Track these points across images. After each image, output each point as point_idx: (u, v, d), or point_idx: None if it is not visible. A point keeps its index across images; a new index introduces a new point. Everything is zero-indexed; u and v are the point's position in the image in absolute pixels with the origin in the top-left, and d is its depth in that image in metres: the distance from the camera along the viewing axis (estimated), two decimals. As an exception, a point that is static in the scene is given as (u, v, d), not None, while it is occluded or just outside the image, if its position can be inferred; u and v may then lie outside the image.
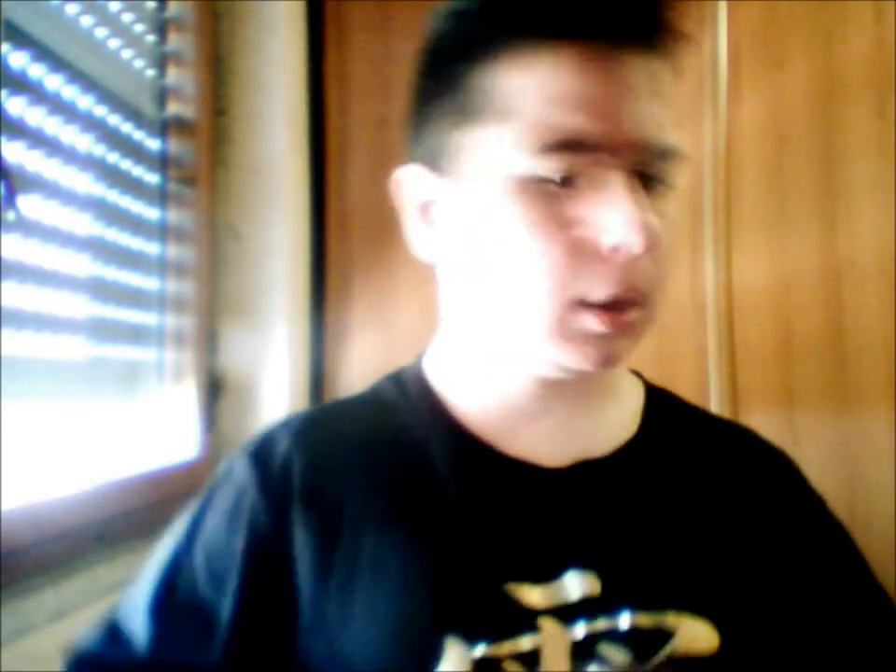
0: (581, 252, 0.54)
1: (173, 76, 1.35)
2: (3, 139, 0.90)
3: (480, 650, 0.53)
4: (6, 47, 0.93)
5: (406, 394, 0.66)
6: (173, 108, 1.34)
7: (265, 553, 0.58)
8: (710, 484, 0.63)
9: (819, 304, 1.50)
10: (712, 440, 0.67)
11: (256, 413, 1.44)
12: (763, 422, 1.65)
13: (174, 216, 1.34)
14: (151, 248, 1.30)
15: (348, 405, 0.69)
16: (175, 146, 1.34)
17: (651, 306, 0.57)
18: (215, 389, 1.43)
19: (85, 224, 1.10)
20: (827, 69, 1.52)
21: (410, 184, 0.62)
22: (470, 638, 0.53)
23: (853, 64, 1.51)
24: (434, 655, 0.53)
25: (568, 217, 0.54)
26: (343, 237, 1.59)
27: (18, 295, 0.94)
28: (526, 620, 0.54)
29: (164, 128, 1.34)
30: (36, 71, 0.99)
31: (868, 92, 1.50)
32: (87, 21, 1.11)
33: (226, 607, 0.57)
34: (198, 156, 1.37)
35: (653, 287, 0.56)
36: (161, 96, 1.33)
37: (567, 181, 0.54)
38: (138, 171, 1.26)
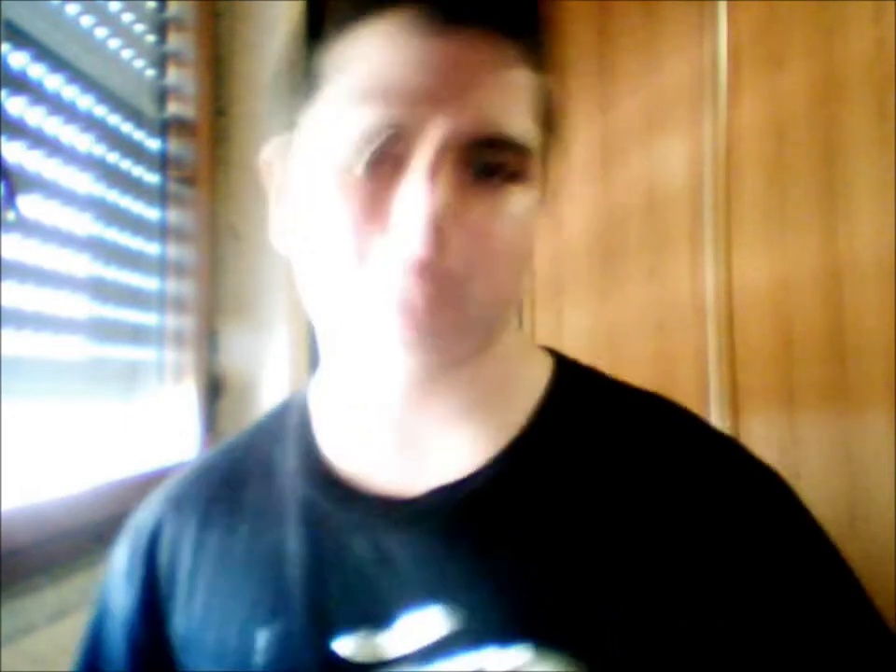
0: (378, 232, 0.49)
1: (173, 76, 1.35)
2: (3, 139, 0.90)
3: None
4: (6, 47, 0.93)
5: (284, 424, 0.62)
6: (173, 108, 1.35)
7: (136, 638, 0.60)
8: (605, 493, 0.53)
9: (819, 304, 1.50)
10: (623, 437, 0.56)
11: (256, 412, 1.44)
12: (763, 422, 1.65)
13: (174, 216, 1.34)
14: (151, 248, 1.30)
15: (228, 447, 0.66)
16: (175, 146, 1.34)
17: (472, 294, 0.50)
18: (215, 389, 1.43)
19: (85, 224, 1.10)
20: (827, 69, 1.52)
21: (271, 166, 0.58)
22: None
23: (853, 64, 1.51)
24: None
25: (374, 198, 0.49)
26: (343, 237, 1.58)
27: (18, 295, 0.94)
28: None
29: (164, 128, 1.34)
30: (36, 71, 0.99)
31: (868, 92, 1.50)
32: (87, 20, 1.11)
33: None
34: (198, 156, 1.37)
35: (471, 281, 0.49)
36: (161, 96, 1.33)
37: (376, 166, 0.49)
38: (138, 171, 1.26)
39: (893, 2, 1.50)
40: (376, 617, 0.51)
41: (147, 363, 1.29)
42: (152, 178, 1.30)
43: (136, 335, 1.26)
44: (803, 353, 1.50)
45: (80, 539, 1.01)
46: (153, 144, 1.31)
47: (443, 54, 0.48)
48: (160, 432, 1.30)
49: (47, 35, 1.01)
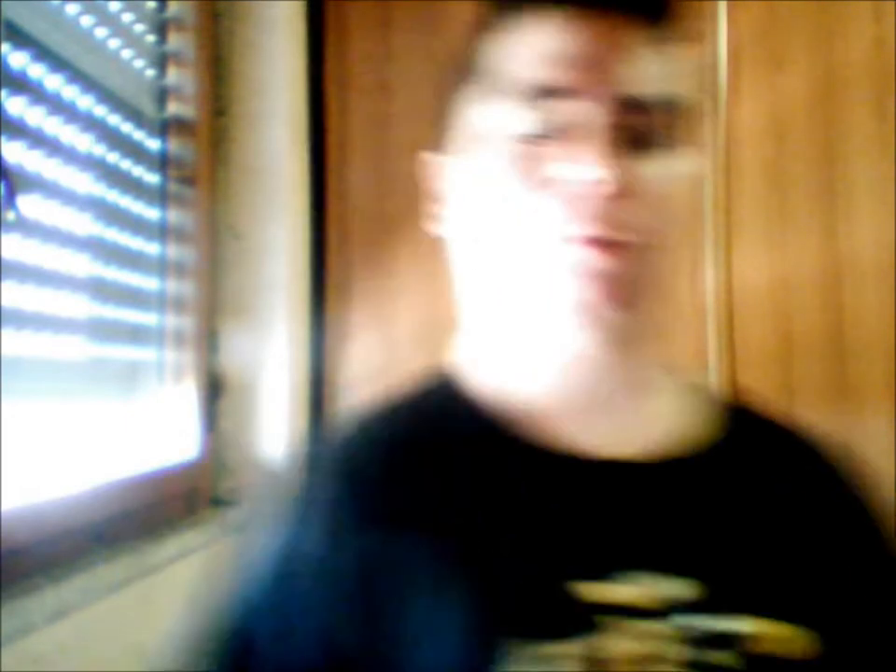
0: (554, 196, 0.55)
1: (173, 76, 1.35)
2: (3, 139, 0.90)
3: (546, 649, 0.51)
4: (6, 47, 0.93)
5: (453, 391, 0.64)
6: (173, 108, 1.35)
7: (313, 578, 0.57)
8: (783, 487, 0.61)
9: (819, 304, 1.50)
10: (797, 448, 0.65)
11: (256, 412, 1.44)
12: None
13: (174, 216, 1.34)
14: (151, 248, 1.30)
15: (396, 407, 0.66)
16: (175, 146, 1.34)
17: (646, 252, 0.56)
18: (215, 389, 1.43)
19: (85, 224, 1.10)
20: (827, 69, 1.52)
21: (433, 168, 0.65)
22: (539, 638, 0.51)
23: (853, 64, 1.51)
24: (497, 657, 0.51)
25: (549, 169, 0.55)
26: (343, 237, 1.59)
27: (18, 295, 0.94)
28: (591, 619, 0.52)
29: (164, 128, 1.34)
30: (36, 71, 0.99)
31: (868, 93, 1.50)
32: (87, 20, 1.11)
33: (301, 630, 0.56)
34: (198, 156, 1.38)
35: (645, 235, 0.56)
36: (161, 96, 1.33)
37: (548, 136, 0.55)
38: (138, 171, 1.26)
39: (893, 2, 1.50)
40: (608, 570, 0.53)
41: (147, 363, 1.29)
42: (152, 178, 1.30)
43: (136, 335, 1.26)
44: (803, 353, 1.49)
45: (80, 538, 1.01)
46: (153, 144, 1.31)
47: (595, 33, 0.56)
48: (160, 432, 1.30)
49: (47, 35, 1.01)
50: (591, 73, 0.55)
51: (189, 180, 1.36)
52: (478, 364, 0.64)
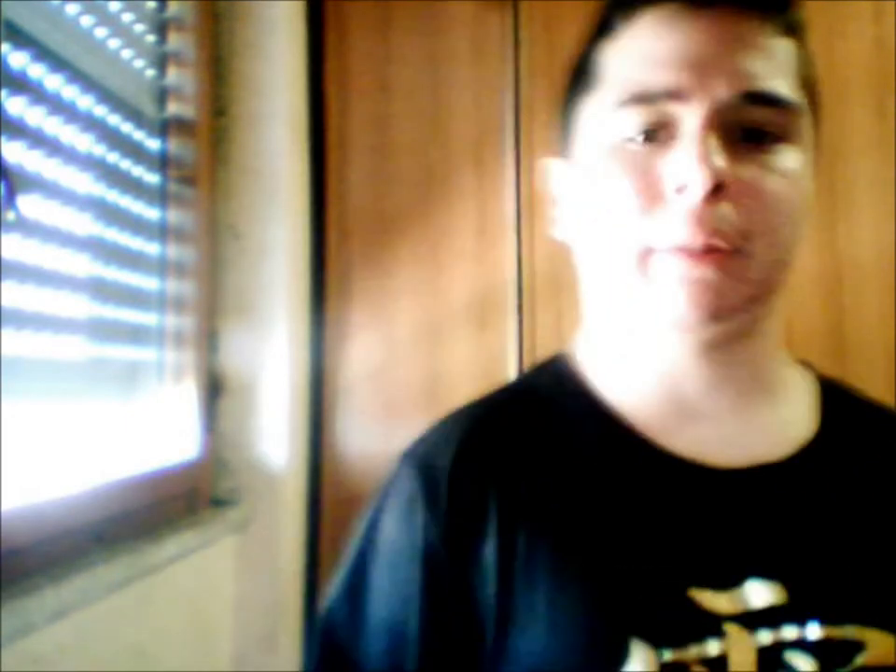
0: (652, 199, 0.55)
1: (173, 76, 1.35)
2: (3, 139, 0.90)
3: (667, 654, 0.52)
4: (6, 47, 0.93)
5: (564, 389, 0.64)
6: (173, 108, 1.34)
7: (441, 571, 0.57)
8: (893, 489, 0.59)
9: (819, 304, 1.50)
10: (891, 438, 0.63)
11: (256, 412, 1.44)
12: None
13: (174, 216, 1.34)
14: (151, 248, 1.30)
15: (508, 401, 0.66)
16: (175, 146, 1.34)
17: (750, 258, 0.54)
18: (215, 389, 1.43)
19: (85, 224, 1.10)
20: (827, 69, 1.52)
21: (549, 174, 0.66)
22: (659, 641, 0.52)
23: (853, 64, 1.51)
24: (620, 658, 0.52)
25: (648, 169, 0.55)
26: (343, 237, 1.59)
27: (18, 295, 0.94)
28: (712, 625, 0.52)
29: (164, 128, 1.34)
30: (36, 71, 0.99)
31: (868, 92, 1.50)
32: (87, 20, 1.11)
33: (412, 621, 0.57)
34: (198, 156, 1.38)
35: (749, 240, 0.54)
36: (161, 96, 1.33)
37: (651, 136, 0.55)
38: (138, 171, 1.26)
39: (893, 2, 1.50)
40: (728, 577, 0.54)
41: (147, 363, 1.29)
42: (152, 178, 1.30)
43: (136, 335, 1.26)
44: (803, 353, 1.49)
45: (80, 539, 1.01)
46: (153, 144, 1.31)
47: (703, 31, 0.55)
48: (160, 432, 1.30)
49: (47, 35, 1.01)
50: (697, 73, 0.54)
51: (189, 180, 1.36)
52: (596, 362, 0.64)
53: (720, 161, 0.53)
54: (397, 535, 0.59)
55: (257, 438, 1.43)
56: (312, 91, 1.60)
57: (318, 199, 1.60)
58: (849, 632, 0.52)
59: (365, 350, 1.57)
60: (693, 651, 0.52)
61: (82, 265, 1.09)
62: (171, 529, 1.19)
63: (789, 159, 0.56)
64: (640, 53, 0.56)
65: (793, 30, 0.59)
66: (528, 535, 0.56)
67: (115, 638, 1.02)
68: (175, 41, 1.35)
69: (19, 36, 0.96)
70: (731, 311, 0.55)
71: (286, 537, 1.44)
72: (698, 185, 0.52)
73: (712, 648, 0.52)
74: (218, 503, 1.40)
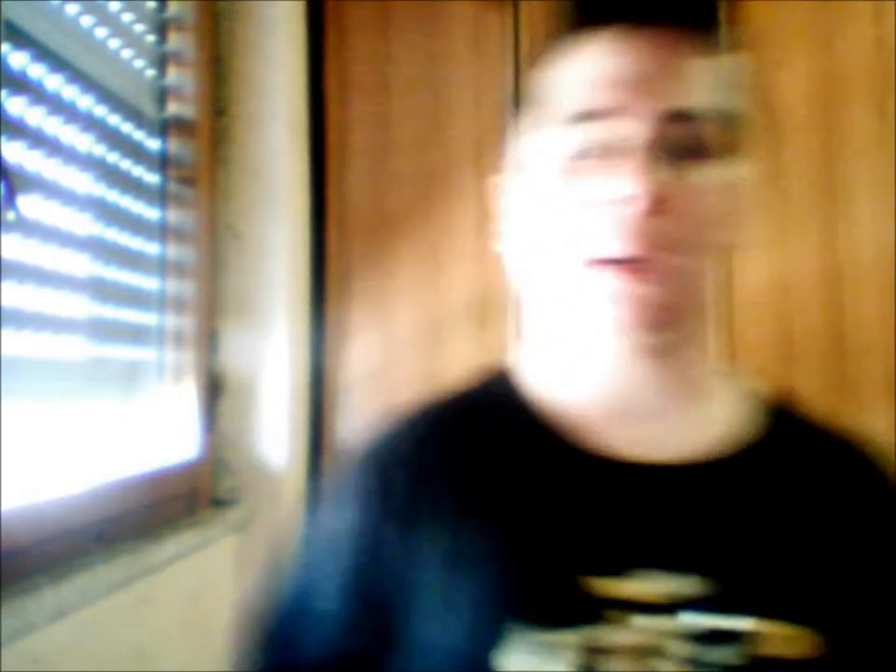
0: (596, 213, 0.56)
1: (173, 76, 1.35)
2: (3, 139, 0.90)
3: (543, 636, 0.53)
4: (6, 47, 0.93)
5: (497, 391, 0.66)
6: (173, 108, 1.34)
7: (365, 561, 0.60)
8: (820, 491, 0.61)
9: (818, 304, 1.50)
10: (825, 444, 0.65)
11: (256, 412, 1.44)
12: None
13: (174, 216, 1.34)
14: (151, 248, 1.30)
15: (444, 403, 0.69)
16: (175, 146, 1.34)
17: (689, 269, 0.57)
18: (215, 389, 1.43)
19: (85, 224, 1.10)
20: (827, 69, 1.52)
21: (497, 190, 0.68)
22: (533, 625, 0.53)
23: (853, 64, 1.51)
24: (497, 641, 0.53)
25: (592, 185, 0.57)
26: (343, 237, 1.59)
27: (18, 295, 0.94)
28: (594, 611, 0.54)
29: (164, 128, 1.34)
30: (36, 71, 0.99)
31: (868, 92, 1.50)
32: (87, 20, 1.11)
33: (344, 610, 0.60)
34: (198, 156, 1.38)
35: (688, 251, 0.56)
36: (161, 96, 1.33)
37: (594, 154, 0.57)
38: (138, 171, 1.26)
39: (893, 2, 1.50)
40: (622, 567, 0.55)
41: (147, 363, 1.29)
42: (152, 178, 1.30)
43: (136, 335, 1.26)
44: (803, 353, 1.49)
45: (80, 539, 1.01)
46: (153, 144, 1.31)
47: (641, 51, 0.57)
48: (160, 432, 1.30)
49: (47, 35, 1.01)
50: (632, 91, 0.56)
51: (189, 180, 1.36)
52: (533, 366, 0.66)
53: (659, 175, 0.54)
54: (331, 530, 0.63)
55: (257, 438, 1.44)
56: (312, 91, 1.60)
57: (318, 199, 1.60)
58: (737, 622, 0.53)
59: (365, 350, 1.57)
60: (571, 635, 0.53)
61: (82, 265, 1.09)
62: (171, 529, 1.19)
63: (725, 172, 0.58)
64: (584, 74, 0.58)
65: (729, 48, 0.60)
66: (439, 526, 0.58)
67: (115, 638, 1.02)
68: (175, 41, 1.35)
69: (19, 36, 0.96)
70: (666, 321, 0.57)
71: (286, 537, 1.44)
72: (638, 199, 0.54)
73: (593, 632, 0.53)
74: (218, 503, 1.40)
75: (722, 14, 0.61)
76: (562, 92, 0.59)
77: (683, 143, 0.56)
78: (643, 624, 0.53)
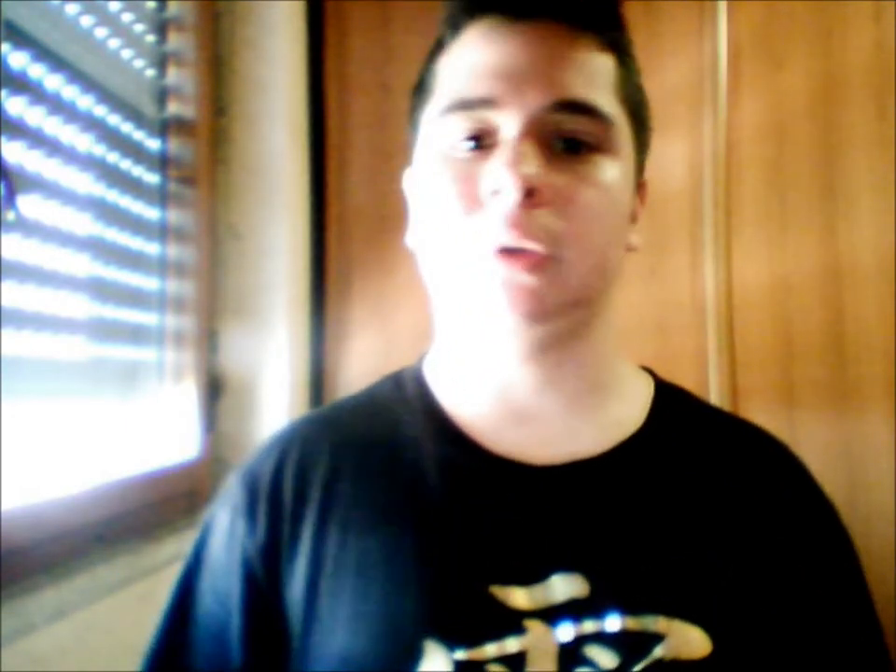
0: (472, 203, 0.56)
1: (173, 76, 1.35)
2: (3, 139, 0.90)
3: (461, 653, 0.52)
4: (6, 47, 0.93)
5: (402, 394, 0.66)
6: (173, 108, 1.34)
7: (257, 581, 0.59)
8: (712, 487, 0.60)
9: (818, 304, 1.50)
10: (718, 440, 0.64)
11: (256, 412, 1.44)
12: (763, 422, 1.64)
13: (174, 216, 1.34)
14: (151, 248, 1.30)
15: (344, 407, 0.69)
16: (174, 146, 1.34)
17: (568, 264, 0.56)
18: (215, 389, 1.43)
19: (85, 224, 1.10)
20: (827, 69, 1.52)
21: (406, 181, 0.67)
22: (453, 640, 0.52)
23: (853, 64, 1.51)
24: (414, 659, 0.52)
25: (471, 175, 0.57)
26: (343, 237, 1.59)
27: (18, 295, 0.94)
28: (512, 622, 0.53)
29: (164, 128, 1.34)
30: (36, 71, 0.99)
31: (868, 92, 1.50)
32: (87, 20, 1.11)
33: (234, 623, 0.59)
34: (198, 156, 1.37)
35: (565, 245, 0.55)
36: (161, 96, 1.33)
37: (475, 144, 0.57)
38: (138, 171, 1.26)
39: (893, 2, 1.50)
40: (524, 572, 0.55)
41: (147, 363, 1.29)
42: (152, 178, 1.30)
43: (136, 335, 1.26)
44: (803, 353, 1.49)
45: (80, 539, 1.01)
46: (153, 144, 1.31)
47: (520, 43, 0.57)
48: (160, 432, 1.30)
49: (47, 35, 1.01)
50: (513, 83, 0.56)
51: (189, 180, 1.36)
52: (439, 369, 0.66)
53: (532, 167, 0.54)
54: (220, 549, 0.62)
55: (257, 438, 1.43)
56: (312, 91, 1.60)
57: (318, 199, 1.60)
58: (649, 623, 0.53)
59: (365, 350, 1.57)
60: (489, 650, 0.52)
61: (82, 265, 1.09)
62: (171, 529, 1.19)
63: (604, 169, 0.57)
64: (463, 64, 0.58)
65: (614, 47, 0.60)
66: (340, 534, 0.58)
67: (115, 638, 1.02)
68: (174, 41, 1.35)
69: (19, 36, 0.96)
70: (549, 314, 0.56)
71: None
72: (511, 189, 0.54)
73: (511, 645, 0.52)
74: (218, 503, 1.40)
75: (614, 13, 0.61)
76: (447, 79, 0.60)
77: (558, 136, 0.56)
78: (561, 633, 0.53)
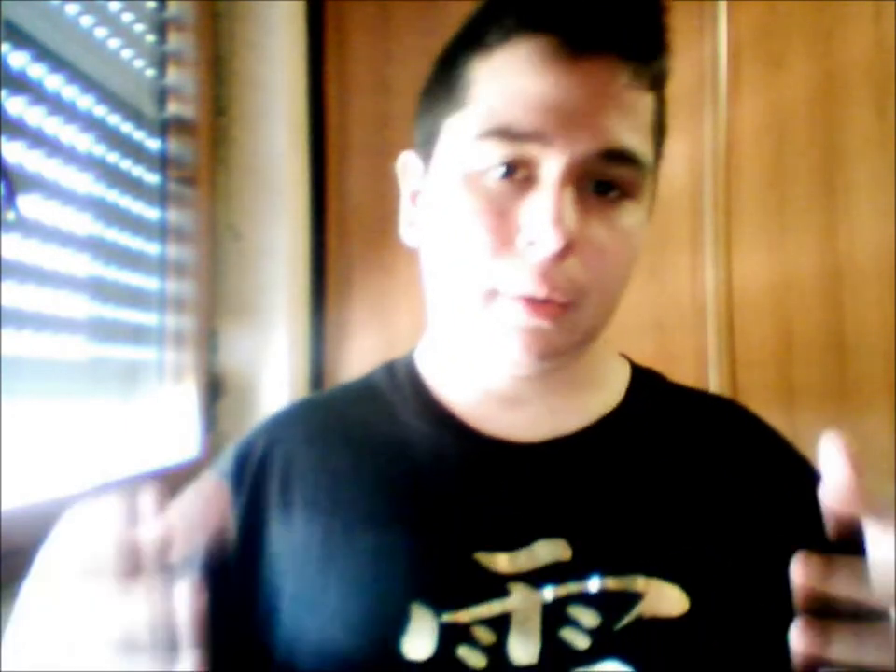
0: (503, 244, 0.55)
1: (173, 76, 1.35)
2: (3, 139, 0.90)
3: (447, 615, 0.54)
4: (6, 47, 0.93)
5: (395, 380, 0.68)
6: (173, 108, 1.34)
7: (240, 554, 0.60)
8: (686, 456, 0.63)
9: (819, 304, 1.50)
10: (690, 413, 0.67)
11: (256, 412, 1.44)
12: (763, 422, 1.64)
13: (174, 216, 1.34)
14: (151, 248, 1.30)
15: (338, 392, 0.72)
16: (174, 146, 1.34)
17: (584, 310, 0.57)
18: (215, 389, 1.43)
19: (85, 224, 1.10)
20: (827, 69, 1.52)
21: (406, 170, 0.66)
22: (439, 604, 0.54)
23: (853, 64, 1.51)
24: (402, 621, 0.54)
25: (503, 210, 0.55)
26: (343, 237, 1.59)
27: (18, 295, 0.94)
28: (497, 586, 0.55)
29: (164, 128, 1.34)
30: (36, 71, 0.99)
31: (868, 92, 1.50)
32: (87, 20, 1.11)
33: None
34: (198, 156, 1.37)
35: (585, 294, 0.56)
36: (161, 96, 1.33)
37: (508, 174, 0.55)
38: (138, 171, 1.26)
39: (893, 2, 1.50)
40: (509, 538, 0.57)
41: (147, 363, 1.29)
42: (152, 178, 1.30)
43: (136, 335, 1.26)
44: (803, 353, 1.49)
45: (80, 538, 1.01)
46: (153, 144, 1.31)
47: (576, 78, 0.54)
48: (160, 432, 1.30)
49: (47, 35, 1.01)
50: (563, 121, 0.53)
51: (189, 180, 1.36)
52: (433, 363, 0.68)
53: (571, 220, 0.53)
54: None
55: (257, 438, 1.43)
56: (312, 91, 1.60)
57: (318, 199, 1.60)
58: (629, 583, 0.55)
59: (365, 350, 1.57)
60: (475, 612, 0.54)
61: (82, 265, 1.09)
62: (171, 529, 1.18)
63: (631, 215, 0.57)
64: (511, 87, 0.55)
65: (659, 81, 0.59)
66: (330, 509, 0.59)
67: (115, 638, 1.01)
68: (175, 41, 1.35)
69: (19, 36, 0.96)
70: (559, 354, 0.58)
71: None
72: (550, 243, 0.53)
73: (495, 607, 0.54)
74: (218, 503, 1.40)
75: (665, 45, 0.58)
76: (489, 96, 0.56)
77: (598, 182, 0.55)
78: (545, 594, 0.55)
